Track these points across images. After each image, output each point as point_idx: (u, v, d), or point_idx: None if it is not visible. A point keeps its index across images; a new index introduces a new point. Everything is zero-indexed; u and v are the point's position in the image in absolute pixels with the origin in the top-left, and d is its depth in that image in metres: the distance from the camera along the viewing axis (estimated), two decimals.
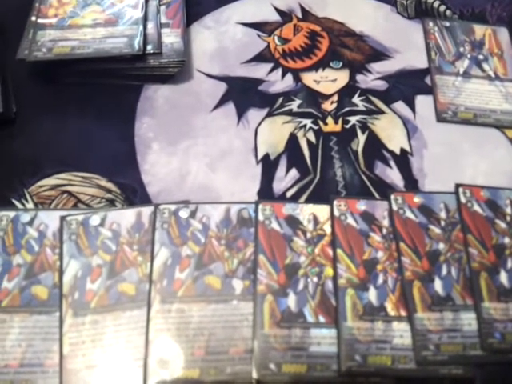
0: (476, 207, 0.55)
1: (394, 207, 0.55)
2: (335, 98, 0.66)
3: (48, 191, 0.57)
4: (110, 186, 0.58)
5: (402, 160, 0.61)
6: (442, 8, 0.74)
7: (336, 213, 0.55)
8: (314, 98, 0.66)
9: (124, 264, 0.52)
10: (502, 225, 0.54)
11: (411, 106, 0.65)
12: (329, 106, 0.65)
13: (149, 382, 0.47)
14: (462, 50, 0.70)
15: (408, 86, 0.67)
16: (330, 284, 0.51)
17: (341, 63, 0.69)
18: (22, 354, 0.47)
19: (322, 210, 0.55)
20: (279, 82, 0.67)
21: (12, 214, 0.54)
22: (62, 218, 0.53)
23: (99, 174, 0.59)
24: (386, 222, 0.54)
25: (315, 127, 0.63)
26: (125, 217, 0.54)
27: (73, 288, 0.50)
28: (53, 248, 0.52)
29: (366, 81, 0.67)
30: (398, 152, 0.62)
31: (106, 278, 0.51)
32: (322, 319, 0.49)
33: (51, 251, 0.52)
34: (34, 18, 0.67)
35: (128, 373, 0.47)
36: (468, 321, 0.49)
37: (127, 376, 0.47)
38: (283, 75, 0.68)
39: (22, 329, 0.48)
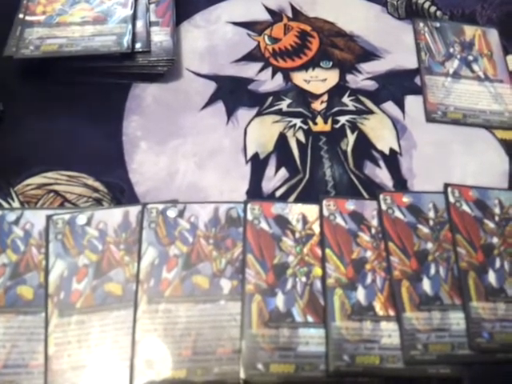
0: (465, 207, 0.55)
1: (383, 207, 0.55)
2: (325, 97, 0.66)
3: (34, 190, 0.57)
4: (97, 185, 0.58)
5: (391, 160, 0.61)
6: (433, 9, 0.74)
7: (325, 212, 0.54)
8: (303, 97, 0.66)
9: (111, 264, 0.51)
10: (491, 225, 0.54)
11: (401, 106, 0.65)
12: (318, 105, 0.65)
13: (135, 382, 0.46)
14: (451, 50, 0.70)
15: (398, 86, 0.67)
16: (318, 284, 0.51)
17: (331, 63, 0.69)
18: (6, 354, 0.47)
19: (310, 210, 0.55)
20: (269, 82, 0.67)
21: None
22: (48, 218, 0.53)
23: (86, 173, 0.58)
24: (374, 222, 0.54)
25: (305, 127, 0.63)
26: (112, 216, 0.54)
27: (58, 288, 0.50)
28: (39, 247, 0.52)
29: (355, 81, 0.67)
30: (387, 152, 0.62)
31: (93, 277, 0.50)
32: (310, 319, 0.49)
33: (37, 251, 0.52)
34: (21, 16, 0.67)
35: (114, 373, 0.47)
36: (456, 320, 0.49)
37: (114, 376, 0.47)
38: (273, 74, 0.67)
39: (6, 329, 0.48)
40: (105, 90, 0.64)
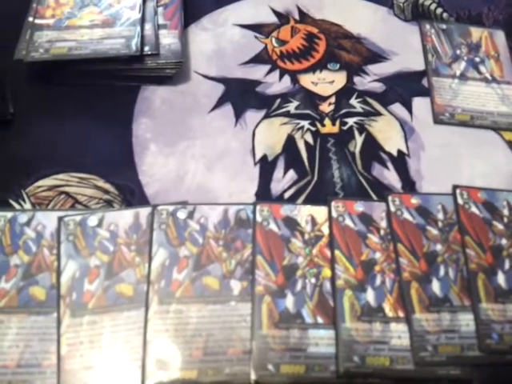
0: (473, 209, 0.55)
1: (392, 208, 0.55)
2: (333, 99, 0.66)
3: (45, 192, 0.57)
4: (107, 186, 0.58)
5: (400, 161, 0.61)
6: (439, 11, 0.74)
7: (334, 214, 0.55)
8: (311, 99, 0.66)
9: (122, 265, 0.51)
10: (500, 226, 0.54)
11: (408, 107, 0.66)
12: (326, 107, 0.65)
13: (147, 382, 0.47)
14: (458, 52, 0.70)
15: (405, 88, 0.67)
16: (327, 285, 0.51)
17: (338, 65, 0.69)
18: (19, 354, 0.47)
19: (319, 212, 0.55)
20: (277, 84, 0.67)
21: (9, 214, 0.54)
22: (60, 219, 0.53)
23: (97, 174, 0.59)
24: (383, 224, 0.54)
25: (313, 129, 0.63)
26: (122, 218, 0.54)
27: (70, 289, 0.50)
28: (50, 249, 0.52)
29: (363, 83, 0.68)
30: (395, 154, 0.62)
31: (104, 278, 0.51)
32: (320, 320, 0.49)
33: (49, 252, 0.52)
34: (31, 19, 0.67)
35: (126, 374, 0.47)
36: (466, 322, 0.50)
37: (125, 377, 0.47)
38: (281, 77, 0.68)
39: (19, 329, 0.48)
40: (114, 92, 0.65)
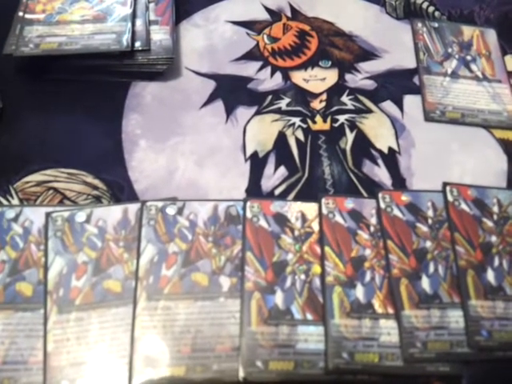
0: (463, 206, 0.55)
1: (382, 205, 0.55)
2: (324, 96, 0.66)
3: (34, 187, 0.57)
4: (96, 182, 0.58)
5: (390, 159, 0.61)
6: (431, 9, 0.74)
7: (324, 211, 0.54)
8: (302, 96, 0.66)
9: (110, 261, 0.51)
10: (489, 223, 0.54)
11: (399, 105, 0.65)
12: (318, 104, 0.65)
13: (134, 379, 0.46)
14: (450, 50, 0.70)
15: (396, 85, 0.67)
16: (317, 281, 0.51)
17: (330, 62, 0.69)
18: (5, 351, 0.47)
19: (310, 208, 0.55)
20: (268, 81, 0.67)
21: None
22: (48, 215, 0.53)
23: (86, 170, 0.58)
24: (373, 220, 0.54)
25: (304, 125, 0.63)
26: (111, 213, 0.53)
27: (58, 285, 0.50)
28: (38, 244, 0.52)
29: (354, 80, 0.67)
30: (385, 151, 0.62)
31: (92, 274, 0.50)
32: (309, 316, 0.49)
33: (36, 248, 0.52)
34: (21, 14, 0.67)
35: (113, 370, 0.47)
36: (455, 318, 0.49)
37: (112, 374, 0.47)
38: (272, 73, 0.68)
39: (5, 326, 0.48)
40: (104, 88, 0.64)
